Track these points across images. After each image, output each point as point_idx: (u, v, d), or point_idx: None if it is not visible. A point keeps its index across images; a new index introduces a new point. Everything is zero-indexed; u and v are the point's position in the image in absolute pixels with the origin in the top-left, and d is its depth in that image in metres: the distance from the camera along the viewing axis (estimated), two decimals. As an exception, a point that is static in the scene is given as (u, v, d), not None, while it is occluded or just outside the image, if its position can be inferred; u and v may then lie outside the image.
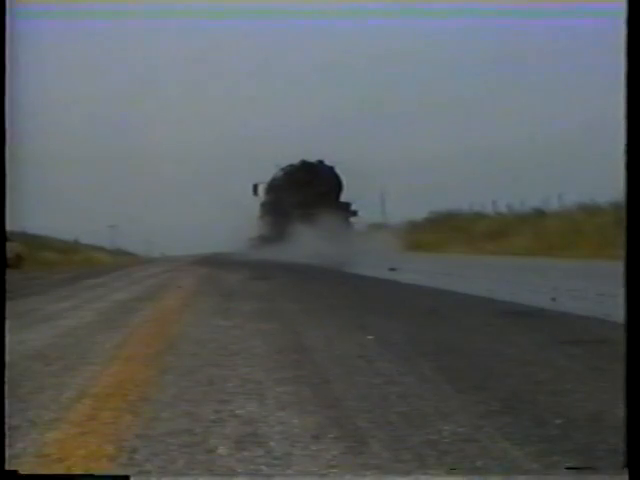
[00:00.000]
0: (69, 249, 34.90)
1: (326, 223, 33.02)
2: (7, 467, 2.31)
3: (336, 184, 38.09)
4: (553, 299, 7.66)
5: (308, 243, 29.74)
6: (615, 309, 5.56)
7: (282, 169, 38.78)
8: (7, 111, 2.24)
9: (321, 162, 38.28)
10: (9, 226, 2.38)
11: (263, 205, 39.08)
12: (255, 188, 39.28)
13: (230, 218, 36.85)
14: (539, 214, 28.76)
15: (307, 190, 36.48)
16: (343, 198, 37.75)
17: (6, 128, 2.25)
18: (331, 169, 38.35)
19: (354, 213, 37.70)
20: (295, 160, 38.46)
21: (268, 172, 39.04)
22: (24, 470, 2.36)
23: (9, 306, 2.40)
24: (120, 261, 34.81)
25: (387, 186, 47.95)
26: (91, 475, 2.38)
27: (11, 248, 20.61)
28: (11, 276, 3.13)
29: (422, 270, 15.29)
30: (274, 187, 38.62)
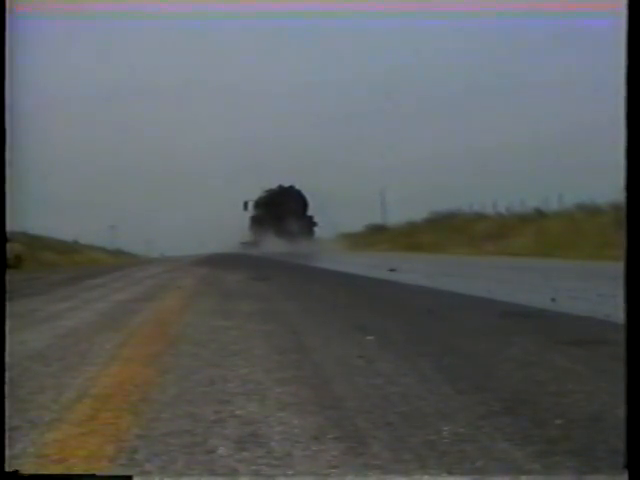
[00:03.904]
0: (69, 249, 34.92)
1: (295, 231, 48.11)
2: (7, 467, 2.31)
3: (303, 203, 53.44)
4: (553, 299, 7.66)
5: (283, 245, 42.65)
6: (615, 309, 5.57)
7: (265, 191, 54.09)
8: (7, 111, 2.24)
9: (292, 187, 53.82)
10: (9, 226, 2.38)
11: (251, 218, 53.40)
12: (245, 205, 53.73)
13: (227, 226, 49.00)
14: (539, 214, 28.79)
15: (282, 207, 51.38)
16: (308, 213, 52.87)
17: (6, 128, 2.25)
18: (299, 192, 53.84)
19: (315, 224, 52.84)
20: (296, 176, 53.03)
21: (255, 192, 53.98)
22: (24, 470, 2.36)
23: (9, 307, 2.40)
24: (120, 261, 34.81)
25: (387, 187, 50.65)
26: (91, 475, 2.38)
27: (11, 249, 20.62)
28: (11, 276, 3.10)
29: (418, 270, 15.30)
30: (259, 204, 53.60)
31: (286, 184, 54.48)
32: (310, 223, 52.76)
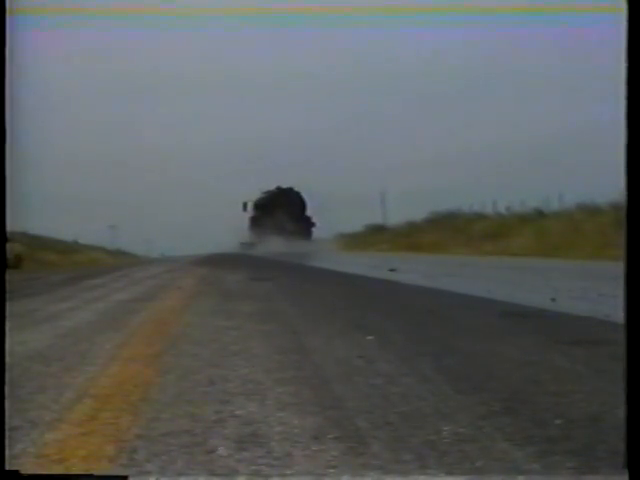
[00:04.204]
0: (69, 249, 34.91)
1: (294, 232, 49.51)
2: (7, 467, 2.31)
3: (301, 205, 55.00)
4: (553, 299, 7.65)
5: (282, 245, 43.35)
6: (615, 309, 5.57)
7: (264, 193, 55.62)
8: (7, 111, 2.24)
9: (291, 188, 55.35)
10: (9, 226, 2.38)
11: (251, 219, 54.98)
12: (244, 206, 55.47)
13: (226, 226, 51.17)
14: (539, 214, 28.78)
15: (281, 208, 52.82)
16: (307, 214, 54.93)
17: (6, 128, 2.25)
18: (298, 193, 55.44)
19: (313, 224, 54.67)
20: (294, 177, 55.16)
21: (255, 193, 55.70)
22: (24, 470, 2.36)
23: (9, 307, 2.40)
24: (120, 261, 34.81)
25: (387, 187, 51.39)
26: (91, 475, 2.38)
27: (11, 249, 20.61)
28: (11, 276, 3.11)
29: (419, 270, 15.30)
30: (258, 205, 55.10)
31: (286, 184, 55.81)
32: (308, 224, 54.58)
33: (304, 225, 53.88)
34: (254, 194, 56.00)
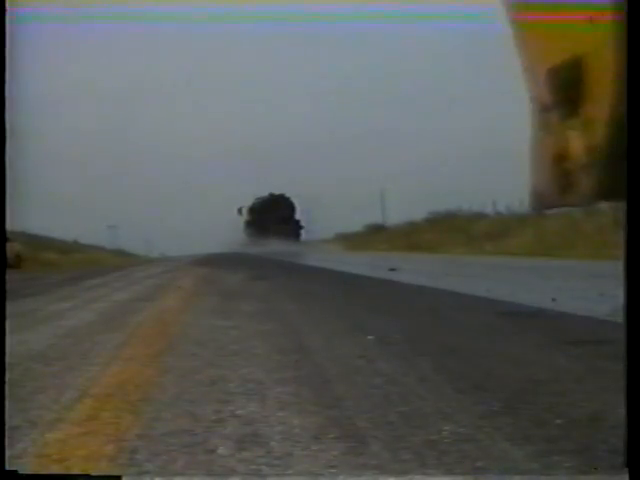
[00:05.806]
0: (69, 249, 34.93)
1: (285, 234, 54.15)
2: (7, 467, 2.31)
3: (292, 209, 60.37)
4: (553, 299, 7.65)
5: (274, 246, 46.63)
6: (615, 309, 5.57)
7: (257, 198, 61.02)
8: (7, 111, 2.24)
9: (282, 195, 60.73)
10: (9, 226, 2.38)
11: (245, 222, 60.64)
12: (240, 210, 61.44)
13: (224, 228, 54.95)
14: (539, 214, 28.75)
15: (274, 213, 58.41)
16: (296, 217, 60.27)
17: (6, 128, 2.25)
18: (288, 199, 60.85)
19: (302, 227, 60.20)
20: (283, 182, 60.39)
21: (250, 198, 60.72)
22: (24, 470, 2.36)
23: (9, 306, 2.40)
24: (120, 261, 34.81)
25: (387, 187, 51.82)
26: (91, 475, 2.38)
27: (11, 248, 20.61)
28: (11, 276, 3.14)
29: (418, 270, 15.31)
30: (253, 210, 60.76)
31: (284, 184, 60.80)
32: (297, 227, 60.16)
33: (293, 227, 58.80)
34: (249, 199, 61.48)
